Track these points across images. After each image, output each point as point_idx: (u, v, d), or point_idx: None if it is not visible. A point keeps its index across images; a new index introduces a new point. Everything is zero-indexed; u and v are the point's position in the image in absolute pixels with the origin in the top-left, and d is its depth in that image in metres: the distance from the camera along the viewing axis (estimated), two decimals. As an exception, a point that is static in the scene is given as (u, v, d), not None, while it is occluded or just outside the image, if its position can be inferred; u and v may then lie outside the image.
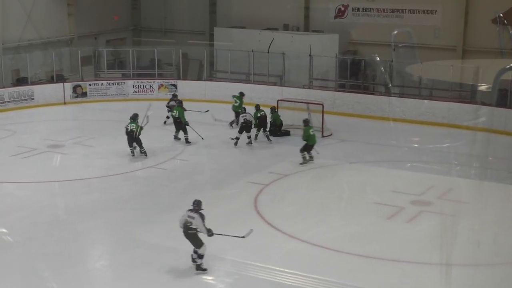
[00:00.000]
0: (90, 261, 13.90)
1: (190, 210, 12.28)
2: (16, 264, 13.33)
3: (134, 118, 20.68)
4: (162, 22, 35.09)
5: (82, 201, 16.98)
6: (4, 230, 15.05)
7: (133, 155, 20.79)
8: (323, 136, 22.64)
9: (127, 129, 20.55)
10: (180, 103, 23.13)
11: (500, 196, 16.64)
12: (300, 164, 19.58)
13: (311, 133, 19.62)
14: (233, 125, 24.21)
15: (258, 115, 22.45)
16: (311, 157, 19.84)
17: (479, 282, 12.44)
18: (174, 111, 22.57)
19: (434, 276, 12.76)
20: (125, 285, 12.55)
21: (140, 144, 20.70)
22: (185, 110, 22.67)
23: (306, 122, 19.99)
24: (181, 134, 22.59)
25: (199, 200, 12.40)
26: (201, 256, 12.38)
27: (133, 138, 20.55)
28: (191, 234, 12.19)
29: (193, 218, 12.05)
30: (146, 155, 20.83)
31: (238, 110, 23.64)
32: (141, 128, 20.62)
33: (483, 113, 20.85)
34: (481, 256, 13.46)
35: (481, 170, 16.29)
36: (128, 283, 12.54)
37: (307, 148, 19.68)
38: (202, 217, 12.08)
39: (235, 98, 24.50)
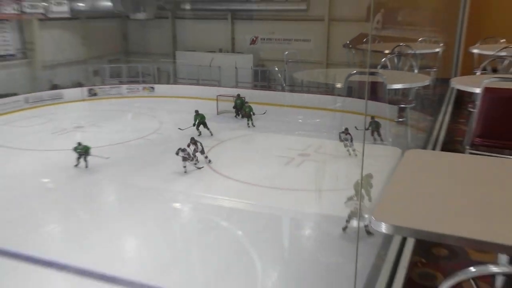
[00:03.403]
0: None
1: None
2: None
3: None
4: (143, 47, 34.34)
5: None
6: None
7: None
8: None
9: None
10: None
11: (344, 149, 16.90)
12: None
13: None
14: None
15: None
16: None
17: (337, 200, 12.77)
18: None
19: (312, 197, 13.26)
20: None
21: None
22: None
23: None
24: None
25: None
26: None
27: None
28: None
29: None
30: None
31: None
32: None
33: (339, 100, 21.37)
34: (337, 185, 13.97)
35: (336, 135, 16.71)
36: None
37: None
38: None
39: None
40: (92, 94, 28.03)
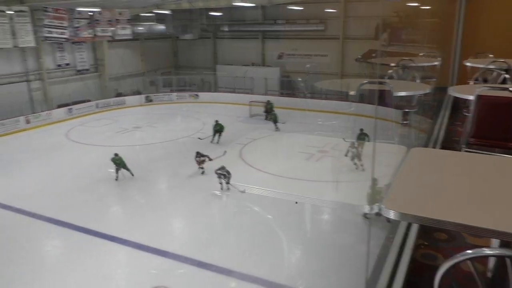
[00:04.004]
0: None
1: None
2: None
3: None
4: (189, 62, 34.60)
5: None
6: None
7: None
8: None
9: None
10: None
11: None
12: None
13: None
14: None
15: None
16: None
17: (352, 190, 12.66)
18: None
19: (329, 187, 13.05)
20: None
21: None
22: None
23: None
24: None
25: None
26: None
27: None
28: None
29: None
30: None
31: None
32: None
33: (353, 106, 21.07)
34: (352, 177, 13.75)
35: (351, 135, 16.40)
36: None
37: None
38: None
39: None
40: (149, 100, 28.38)
